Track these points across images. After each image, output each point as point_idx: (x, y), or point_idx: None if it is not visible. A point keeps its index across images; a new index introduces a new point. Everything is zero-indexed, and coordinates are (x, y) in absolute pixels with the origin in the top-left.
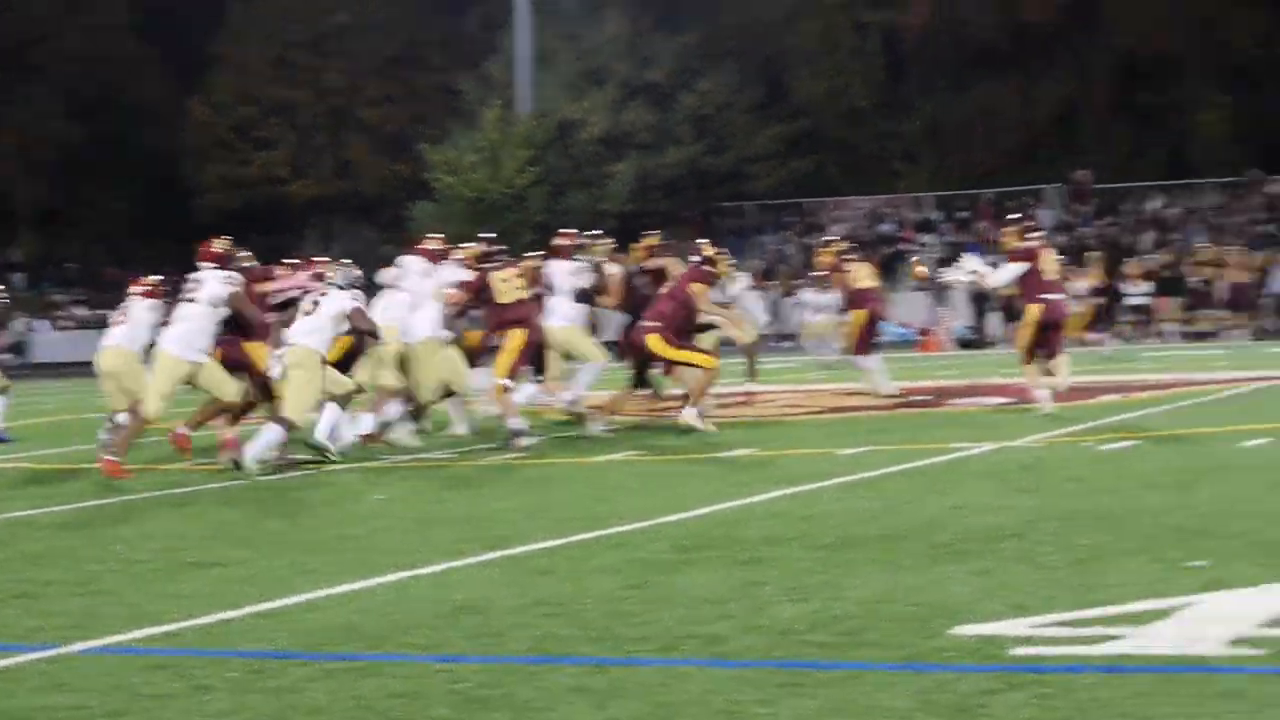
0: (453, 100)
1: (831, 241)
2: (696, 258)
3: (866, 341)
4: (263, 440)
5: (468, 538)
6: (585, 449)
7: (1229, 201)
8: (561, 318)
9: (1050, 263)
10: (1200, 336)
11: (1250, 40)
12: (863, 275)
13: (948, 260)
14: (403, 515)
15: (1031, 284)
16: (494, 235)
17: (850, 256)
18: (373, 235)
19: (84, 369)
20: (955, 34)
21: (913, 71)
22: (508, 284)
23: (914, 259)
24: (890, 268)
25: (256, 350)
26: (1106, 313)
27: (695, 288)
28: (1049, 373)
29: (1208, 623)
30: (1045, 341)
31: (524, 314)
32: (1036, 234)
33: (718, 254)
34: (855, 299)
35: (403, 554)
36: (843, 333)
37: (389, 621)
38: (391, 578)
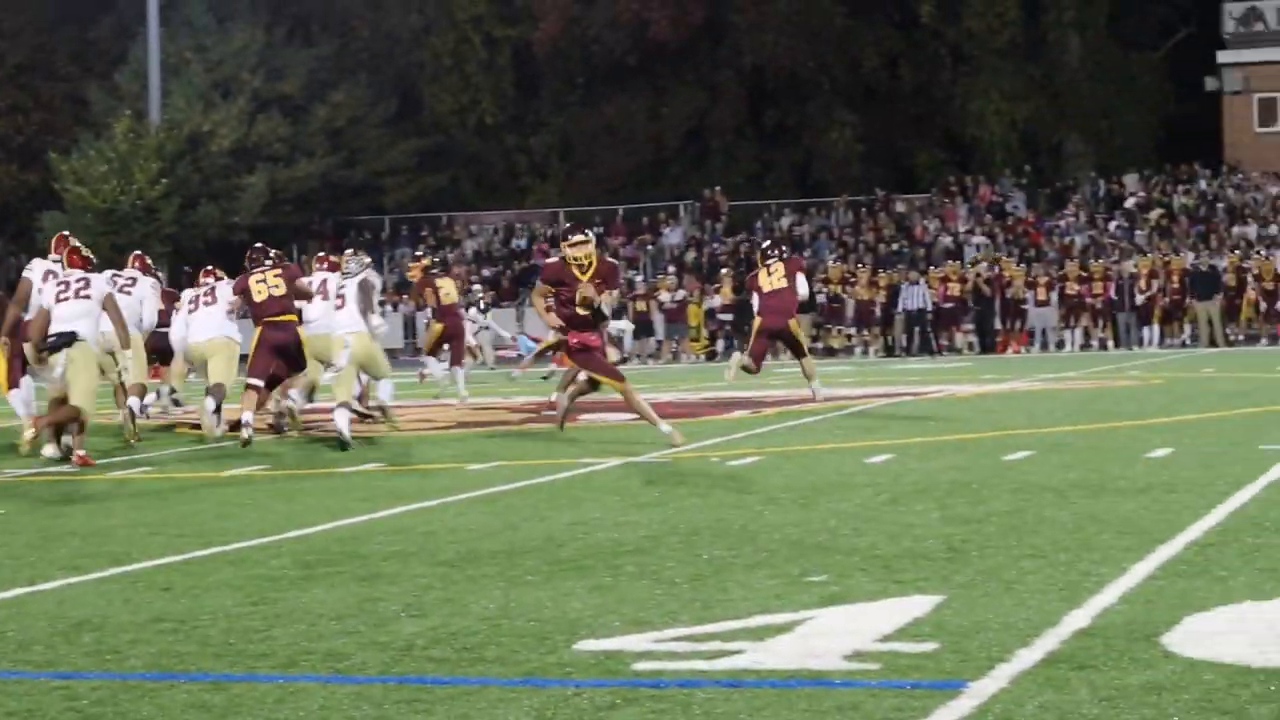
0: (81, 110)
1: (420, 257)
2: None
3: (437, 352)
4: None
5: (88, 553)
6: (209, 464)
7: (858, 220)
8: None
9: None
10: (831, 353)
11: (879, 61)
12: (448, 291)
13: None
14: (22, 530)
15: None
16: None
17: (436, 272)
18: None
19: None
20: (586, 50)
21: (544, 86)
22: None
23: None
24: (524, 282)
25: None
26: (738, 329)
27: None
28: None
29: (826, 637)
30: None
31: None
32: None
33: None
34: (441, 313)
35: (20, 570)
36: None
37: (5, 639)
38: (9, 594)
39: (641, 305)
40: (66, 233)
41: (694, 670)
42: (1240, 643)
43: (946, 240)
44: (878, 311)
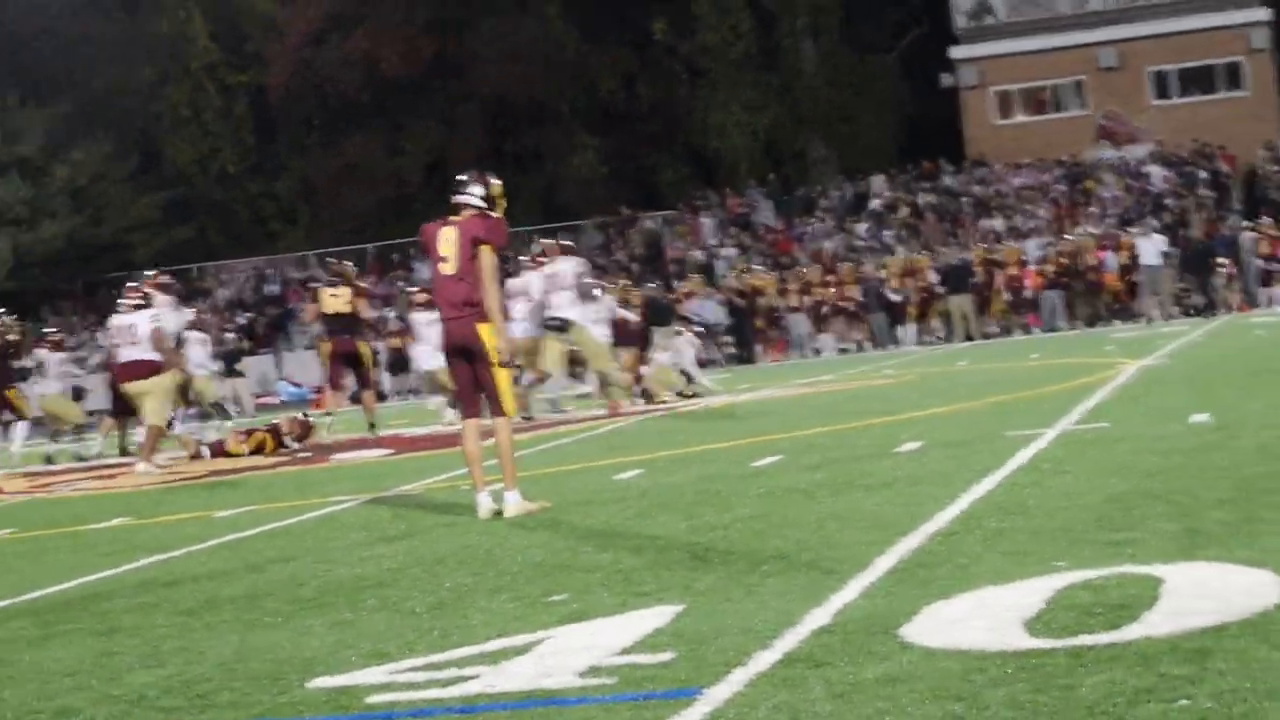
0: None
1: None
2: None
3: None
4: None
5: None
6: None
7: (608, 240)
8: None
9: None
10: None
11: (616, 82)
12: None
13: None
14: None
15: None
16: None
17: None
18: None
19: None
20: (319, 90)
21: (281, 131)
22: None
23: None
24: (280, 328)
25: None
26: None
27: None
28: None
29: (562, 655)
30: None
31: None
32: None
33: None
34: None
35: None
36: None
37: None
38: None
39: (396, 342)
40: None
41: (427, 699)
42: (979, 628)
43: (698, 254)
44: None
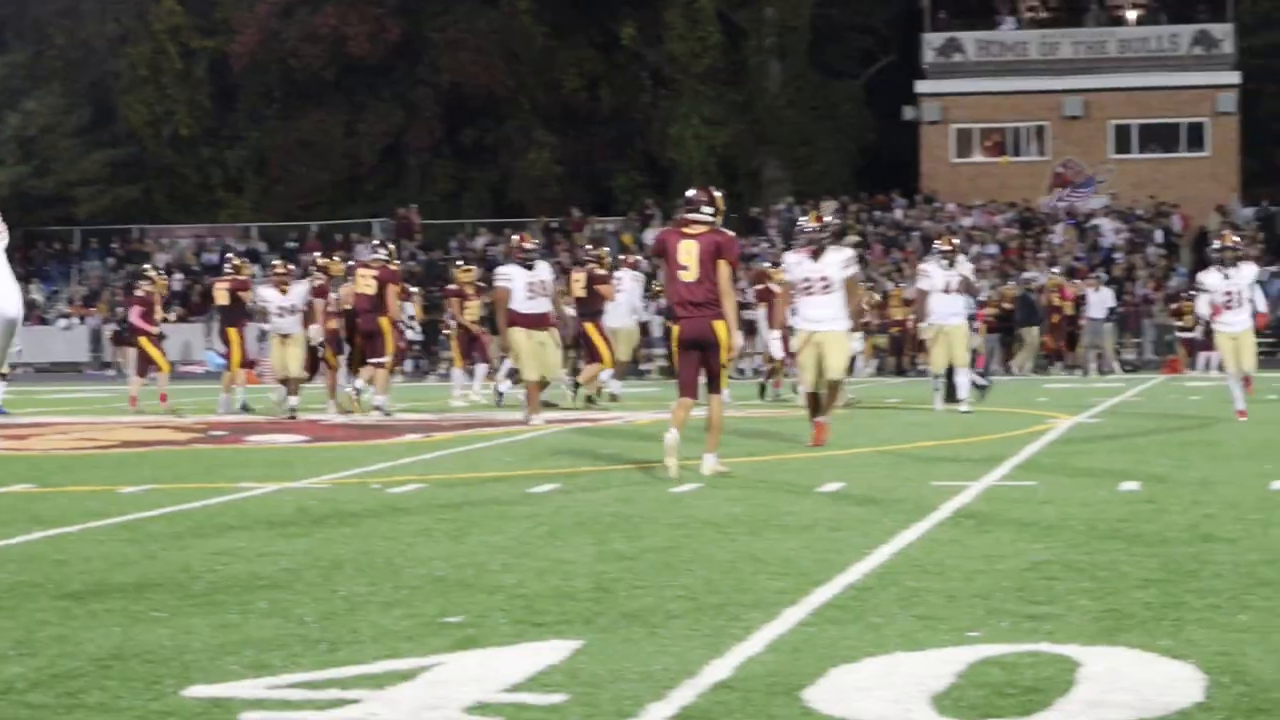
0: None
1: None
2: None
3: None
4: None
5: None
6: None
7: (553, 241)
8: None
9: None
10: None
11: (579, 82)
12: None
13: None
14: None
15: None
16: None
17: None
18: None
19: None
20: (283, 63)
21: (240, 100)
22: None
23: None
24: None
25: None
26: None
27: None
28: None
29: (451, 685)
30: None
31: None
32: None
33: None
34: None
35: None
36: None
37: None
38: None
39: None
40: None
41: None
42: (884, 699)
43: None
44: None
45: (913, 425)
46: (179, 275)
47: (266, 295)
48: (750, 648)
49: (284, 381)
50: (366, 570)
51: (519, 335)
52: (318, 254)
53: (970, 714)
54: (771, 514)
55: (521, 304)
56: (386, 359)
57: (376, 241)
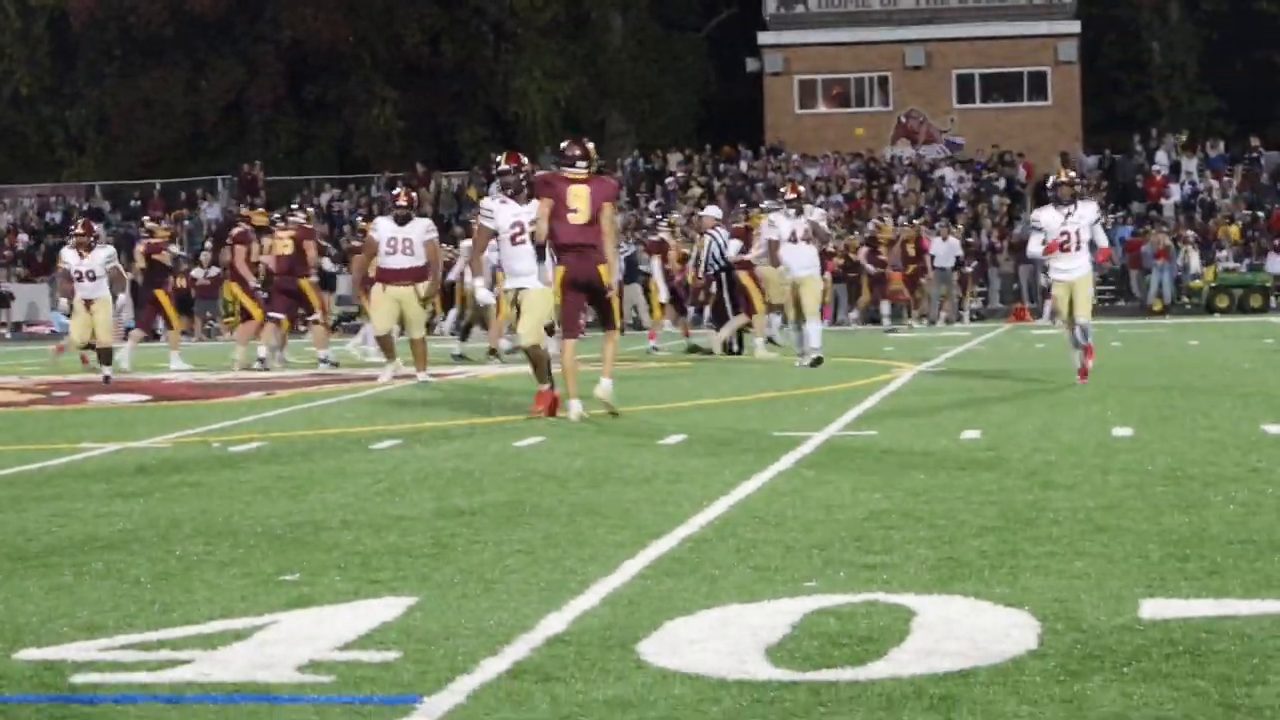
0: None
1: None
2: None
3: None
4: None
5: None
6: None
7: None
8: None
9: None
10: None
11: (421, 37)
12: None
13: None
14: None
15: None
16: None
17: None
18: None
19: None
20: (123, 21)
21: (81, 58)
22: None
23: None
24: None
25: None
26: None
27: None
28: None
29: (284, 644)
30: None
31: None
32: None
33: None
34: None
35: None
36: None
37: None
38: None
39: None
40: None
41: (134, 683)
42: (720, 650)
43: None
44: None
45: (756, 376)
46: (23, 235)
47: (67, 258)
48: (586, 601)
49: (88, 348)
50: (204, 530)
51: (376, 289)
52: (157, 213)
53: (804, 664)
54: (612, 467)
55: (383, 258)
56: (318, 315)
57: (295, 205)
